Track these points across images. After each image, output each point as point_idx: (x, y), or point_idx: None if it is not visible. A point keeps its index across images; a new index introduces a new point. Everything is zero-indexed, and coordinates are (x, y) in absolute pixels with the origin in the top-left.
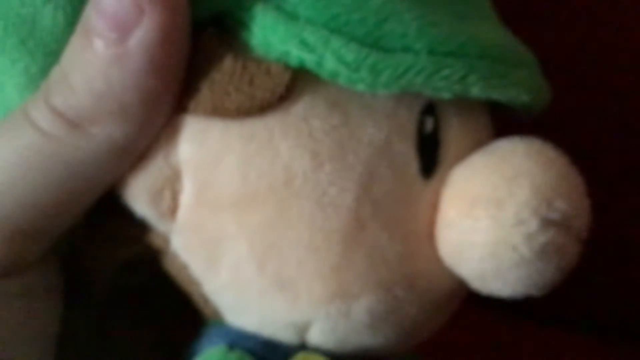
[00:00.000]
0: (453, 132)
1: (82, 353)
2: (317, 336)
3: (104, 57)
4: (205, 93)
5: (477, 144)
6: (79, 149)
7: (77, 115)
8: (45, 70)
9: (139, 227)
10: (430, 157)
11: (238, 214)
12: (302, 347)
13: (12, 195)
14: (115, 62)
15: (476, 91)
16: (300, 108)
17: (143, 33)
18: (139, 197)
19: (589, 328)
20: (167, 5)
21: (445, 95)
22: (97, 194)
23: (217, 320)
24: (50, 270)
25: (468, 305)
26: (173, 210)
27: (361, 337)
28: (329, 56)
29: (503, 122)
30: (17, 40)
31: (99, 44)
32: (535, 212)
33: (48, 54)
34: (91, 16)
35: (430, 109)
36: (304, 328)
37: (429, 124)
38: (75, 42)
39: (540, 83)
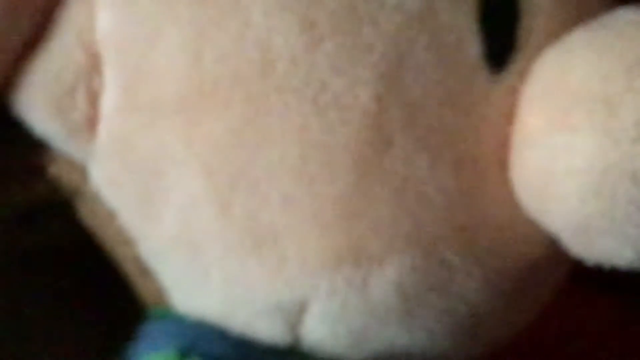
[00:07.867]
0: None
1: None
2: (316, 327)
3: None
4: None
5: (579, 17)
6: None
7: None
8: None
9: (38, 155)
10: (503, 39)
11: (187, 122)
12: (294, 351)
13: None
14: None
15: None
16: None
17: None
18: (38, 104)
19: None
20: None
21: None
22: None
23: (163, 309)
24: None
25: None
26: (92, 121)
27: (387, 330)
28: None
29: None
30: None
31: None
32: None
33: None
34: None
35: None
36: (295, 313)
37: None
38: None
39: None
